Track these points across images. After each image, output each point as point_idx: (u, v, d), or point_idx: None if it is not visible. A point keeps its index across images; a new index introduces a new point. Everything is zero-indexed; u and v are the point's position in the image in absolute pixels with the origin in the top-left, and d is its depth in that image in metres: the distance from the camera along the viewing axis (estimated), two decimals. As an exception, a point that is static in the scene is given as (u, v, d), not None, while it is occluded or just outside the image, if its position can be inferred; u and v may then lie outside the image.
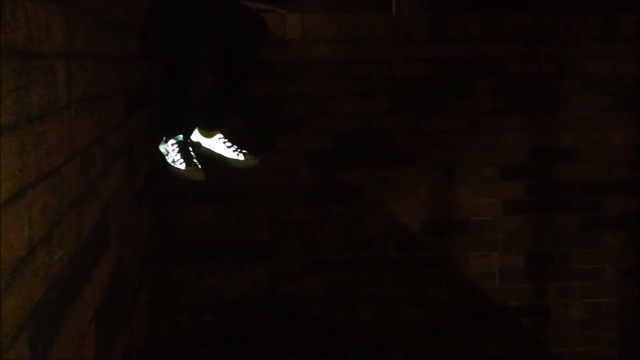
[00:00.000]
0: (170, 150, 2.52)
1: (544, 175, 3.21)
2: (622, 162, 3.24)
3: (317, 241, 3.11)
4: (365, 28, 3.02)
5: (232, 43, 2.59)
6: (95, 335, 1.39)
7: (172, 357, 2.99)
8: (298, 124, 3.04)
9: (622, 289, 3.32)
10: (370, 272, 3.15)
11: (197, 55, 2.57)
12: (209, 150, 2.72)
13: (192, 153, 2.55)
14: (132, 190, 2.06)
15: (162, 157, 2.54)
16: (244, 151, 2.71)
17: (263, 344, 3.11)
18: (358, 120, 3.08)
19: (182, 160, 2.49)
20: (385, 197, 3.13)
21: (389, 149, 3.10)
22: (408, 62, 3.07)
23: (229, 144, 2.71)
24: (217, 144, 2.72)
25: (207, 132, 2.72)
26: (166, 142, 2.54)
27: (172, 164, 2.51)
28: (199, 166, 2.51)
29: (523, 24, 3.11)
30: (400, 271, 3.18)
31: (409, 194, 3.14)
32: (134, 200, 2.13)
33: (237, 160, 2.70)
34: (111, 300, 1.60)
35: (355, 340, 3.18)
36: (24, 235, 0.89)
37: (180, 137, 2.53)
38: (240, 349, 3.09)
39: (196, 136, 2.74)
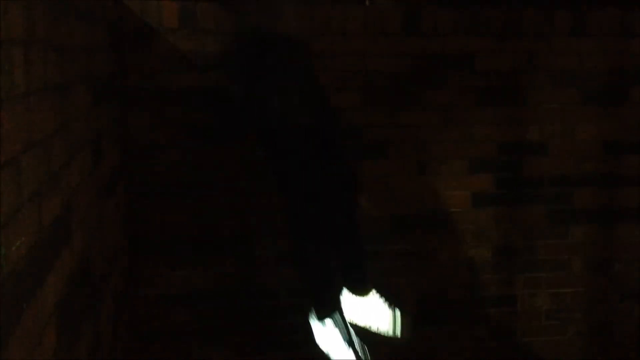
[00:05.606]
0: (331, 337, 2.20)
1: (512, 169, 3.25)
2: (589, 155, 3.29)
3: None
4: (339, 21, 3.01)
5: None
6: (56, 328, 1.37)
7: (141, 350, 2.97)
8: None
9: (588, 280, 3.37)
10: (341, 265, 3.15)
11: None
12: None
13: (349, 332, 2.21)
14: (99, 182, 2.04)
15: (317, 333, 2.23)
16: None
17: (234, 336, 3.10)
18: (330, 113, 3.07)
19: (346, 345, 2.19)
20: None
21: (360, 143, 3.11)
22: (380, 56, 3.08)
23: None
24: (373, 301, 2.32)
25: (362, 291, 2.36)
26: (321, 320, 2.23)
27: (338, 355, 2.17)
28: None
29: (493, 19, 3.13)
30: (372, 264, 3.19)
31: (380, 187, 3.15)
32: (102, 192, 2.10)
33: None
34: (75, 293, 1.58)
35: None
36: (-23, 225, 0.88)
37: (337, 315, 2.20)
38: (211, 342, 3.08)
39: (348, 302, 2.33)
